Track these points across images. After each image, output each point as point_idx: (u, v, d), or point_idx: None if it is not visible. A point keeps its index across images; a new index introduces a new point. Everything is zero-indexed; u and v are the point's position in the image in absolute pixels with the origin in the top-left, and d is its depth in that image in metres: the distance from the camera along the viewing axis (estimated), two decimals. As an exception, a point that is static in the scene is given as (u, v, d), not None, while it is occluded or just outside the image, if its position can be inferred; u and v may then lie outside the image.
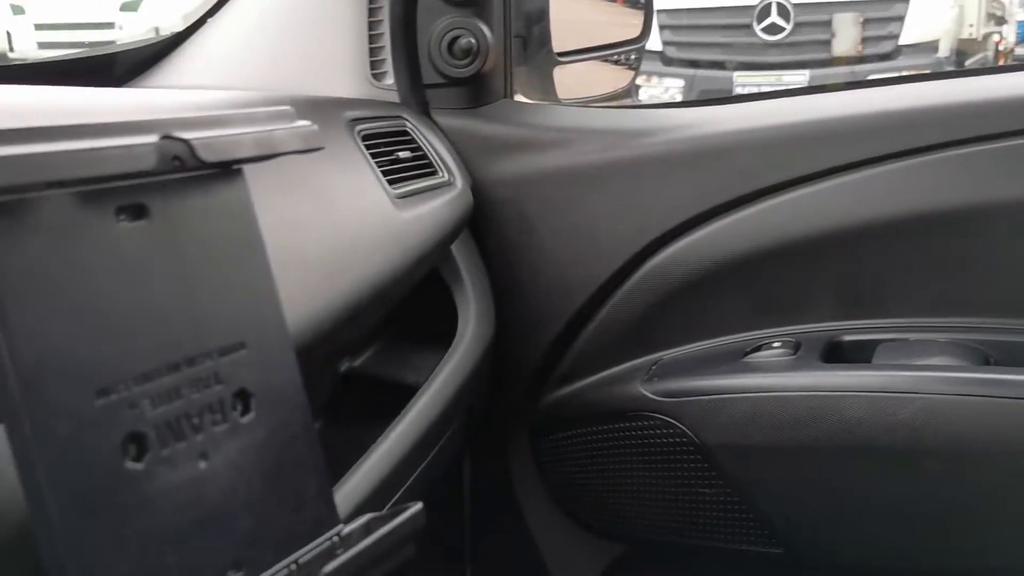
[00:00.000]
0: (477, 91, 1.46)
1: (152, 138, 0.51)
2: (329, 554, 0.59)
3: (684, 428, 1.27)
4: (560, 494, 1.48)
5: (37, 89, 0.93)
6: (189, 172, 0.54)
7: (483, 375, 1.33)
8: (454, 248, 1.35)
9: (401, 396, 1.19)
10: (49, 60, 1.50)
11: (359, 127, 1.17)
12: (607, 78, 1.81)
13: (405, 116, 1.34)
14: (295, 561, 0.57)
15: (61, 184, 0.48)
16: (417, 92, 1.44)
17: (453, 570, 1.57)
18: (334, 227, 0.97)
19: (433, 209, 1.20)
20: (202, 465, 0.53)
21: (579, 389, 1.41)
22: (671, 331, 1.38)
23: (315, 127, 0.61)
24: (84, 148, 0.48)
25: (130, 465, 0.50)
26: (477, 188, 1.39)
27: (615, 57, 1.85)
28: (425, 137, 1.33)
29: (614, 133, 1.42)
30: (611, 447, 1.36)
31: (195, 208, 0.56)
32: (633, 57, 1.90)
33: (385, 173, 1.15)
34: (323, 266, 0.91)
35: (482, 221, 1.41)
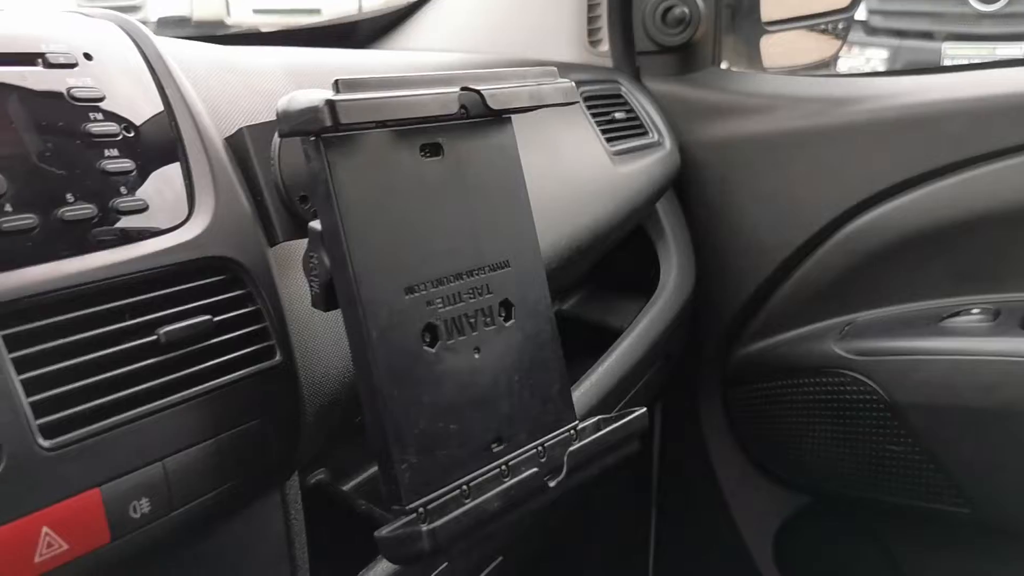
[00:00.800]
0: (687, 59, 1.54)
1: (454, 89, 0.63)
2: (567, 442, 0.71)
3: (876, 386, 1.32)
4: (747, 443, 1.56)
5: (312, 51, 1.08)
6: (475, 118, 0.66)
7: (682, 324, 1.42)
8: (658, 205, 1.45)
9: (604, 339, 1.30)
10: (303, 27, 1.68)
11: (581, 89, 1.27)
12: (813, 47, 1.84)
13: (619, 80, 1.44)
14: (542, 444, 0.69)
15: (385, 124, 0.61)
16: (629, 58, 1.54)
17: (640, 509, 1.68)
18: (562, 177, 1.09)
19: (645, 166, 1.30)
20: (476, 356, 0.66)
21: (772, 344, 1.48)
22: (866, 293, 1.42)
23: (573, 84, 0.72)
24: (405, 95, 0.60)
25: (426, 350, 0.63)
26: (682, 150, 1.47)
27: (821, 26, 1.87)
28: (638, 100, 1.42)
29: (818, 101, 1.46)
30: (801, 401, 1.42)
31: (477, 148, 0.68)
32: (840, 26, 1.91)
33: (603, 132, 1.25)
34: (553, 210, 1.02)
35: (685, 181, 1.50)
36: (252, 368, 0.62)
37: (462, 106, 0.65)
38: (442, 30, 1.61)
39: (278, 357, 0.64)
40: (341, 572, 0.83)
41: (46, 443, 0.51)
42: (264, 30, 1.93)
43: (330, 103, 0.55)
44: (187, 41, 0.80)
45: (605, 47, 1.53)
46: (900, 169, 1.37)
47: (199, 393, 0.59)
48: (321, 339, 0.70)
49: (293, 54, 0.97)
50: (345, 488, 1.07)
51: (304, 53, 1.02)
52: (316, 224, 0.62)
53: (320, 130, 0.56)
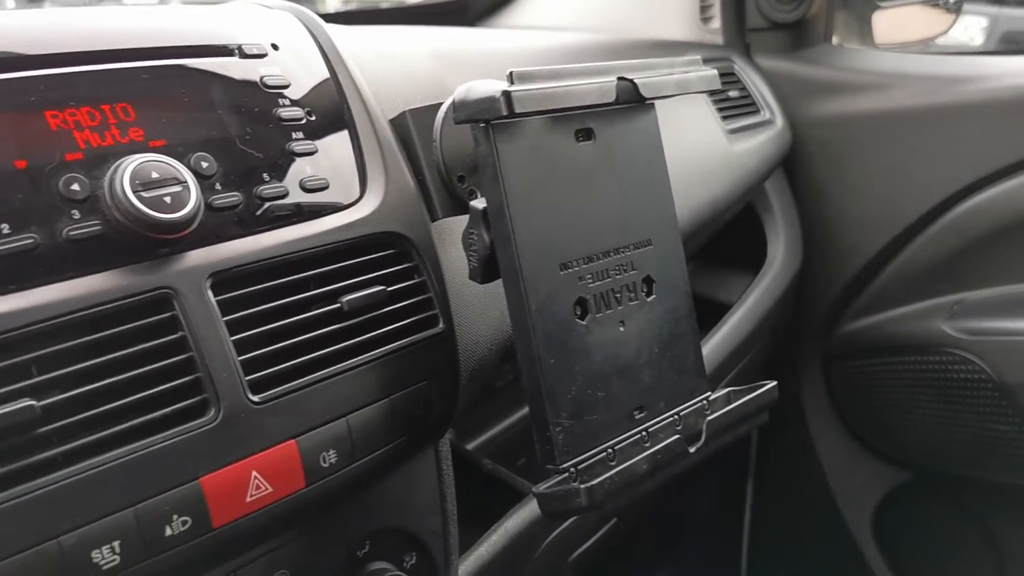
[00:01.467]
0: (798, 35, 1.55)
1: (611, 78, 0.67)
2: (700, 412, 0.75)
3: (984, 366, 1.33)
4: (849, 418, 1.58)
5: (451, 33, 1.13)
6: (626, 104, 0.70)
7: (788, 300, 1.44)
8: (767, 181, 1.47)
9: (713, 313, 1.33)
10: (418, 4, 1.74)
11: (698, 68, 1.30)
12: (925, 23, 1.82)
13: (732, 58, 1.46)
14: (678, 413, 0.74)
15: (544, 112, 0.66)
16: (741, 35, 1.55)
17: (737, 479, 1.71)
18: (683, 155, 1.12)
19: (758, 144, 1.32)
20: (621, 329, 0.70)
21: (877, 321, 1.49)
22: (976, 273, 1.42)
23: (716, 72, 0.75)
24: (570, 86, 0.64)
25: (578, 322, 0.67)
26: (792, 127, 1.48)
27: (934, 1, 1.85)
28: (750, 78, 1.44)
29: (930, 79, 1.45)
30: (906, 379, 1.43)
31: (625, 132, 0.72)
32: (952, 1, 1.88)
33: (719, 110, 1.28)
34: (675, 188, 1.05)
35: (794, 158, 1.51)
36: (420, 335, 0.68)
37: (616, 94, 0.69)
38: (552, 7, 1.64)
39: (441, 325, 0.69)
40: (471, 525, 0.89)
41: (255, 398, 0.57)
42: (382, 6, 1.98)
43: (506, 94, 0.59)
44: (346, 27, 0.85)
45: (717, 24, 1.54)
46: (1012, 150, 1.36)
47: (376, 357, 0.65)
48: (472, 310, 0.76)
49: (435, 38, 1.02)
50: (468, 448, 1.14)
51: (444, 37, 1.07)
52: (478, 203, 0.67)
53: (495, 118, 0.60)
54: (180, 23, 0.65)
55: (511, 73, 0.61)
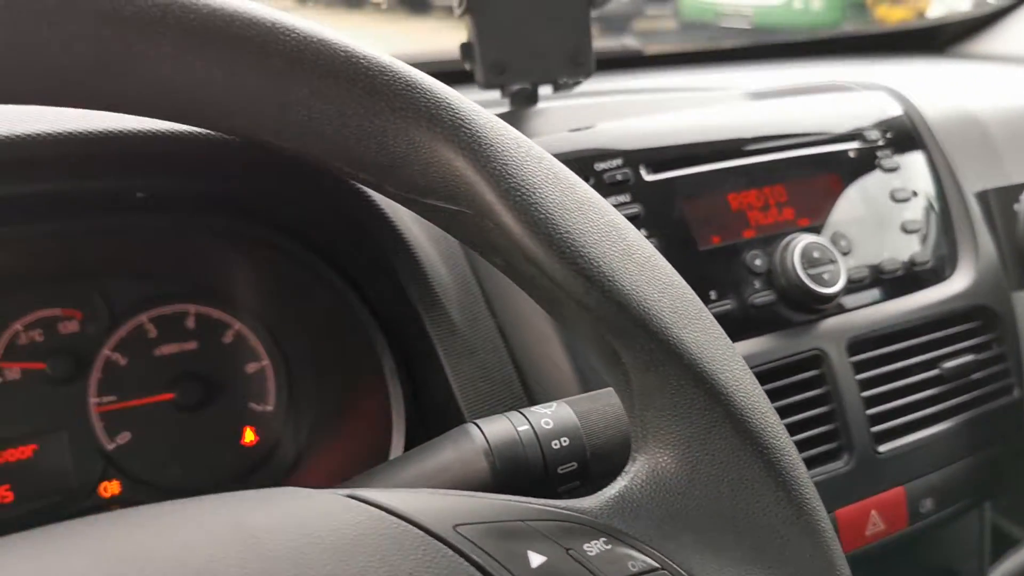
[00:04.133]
0: None
1: None
2: None
3: None
4: None
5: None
6: None
7: None
8: None
9: None
10: (883, 31, 1.75)
11: None
12: None
13: None
14: None
15: None
16: None
17: None
18: None
19: None
20: None
21: None
22: None
23: None
24: None
25: None
26: None
27: None
28: None
29: None
30: None
31: None
32: None
33: None
34: None
35: None
36: (999, 401, 0.74)
37: None
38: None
39: (1015, 393, 0.75)
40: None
41: (880, 448, 0.67)
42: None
43: None
44: (914, 93, 0.91)
45: None
46: None
47: (963, 420, 0.72)
48: None
49: (952, 80, 1.06)
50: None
51: (963, 80, 1.10)
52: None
53: None
54: (812, 113, 0.76)
55: None
